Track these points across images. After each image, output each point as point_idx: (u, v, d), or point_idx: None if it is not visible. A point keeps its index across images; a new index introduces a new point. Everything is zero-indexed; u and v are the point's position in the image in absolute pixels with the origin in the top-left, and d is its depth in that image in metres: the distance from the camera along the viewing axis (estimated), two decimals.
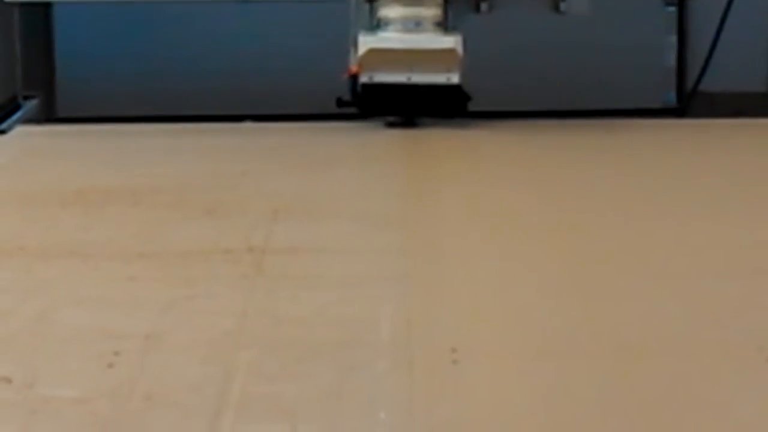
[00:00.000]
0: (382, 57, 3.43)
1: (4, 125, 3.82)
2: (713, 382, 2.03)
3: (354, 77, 3.47)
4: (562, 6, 3.63)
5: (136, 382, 2.04)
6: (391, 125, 3.56)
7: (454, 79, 3.44)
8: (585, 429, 1.88)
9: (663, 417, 1.86)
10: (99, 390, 2.01)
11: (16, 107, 3.90)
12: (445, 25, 3.49)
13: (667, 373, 2.06)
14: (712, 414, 1.90)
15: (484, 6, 3.62)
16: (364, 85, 3.47)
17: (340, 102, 3.51)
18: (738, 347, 2.20)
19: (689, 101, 4.51)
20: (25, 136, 3.78)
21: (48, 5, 4.15)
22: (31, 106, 4.10)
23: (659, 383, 2.00)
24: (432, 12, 3.46)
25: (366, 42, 3.43)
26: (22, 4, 3.99)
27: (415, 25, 3.44)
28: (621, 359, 2.15)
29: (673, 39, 4.74)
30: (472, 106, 3.57)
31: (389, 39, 3.44)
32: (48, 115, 4.18)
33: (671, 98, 4.64)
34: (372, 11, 3.52)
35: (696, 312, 2.37)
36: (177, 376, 2.07)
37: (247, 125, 3.82)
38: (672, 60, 4.65)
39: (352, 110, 3.61)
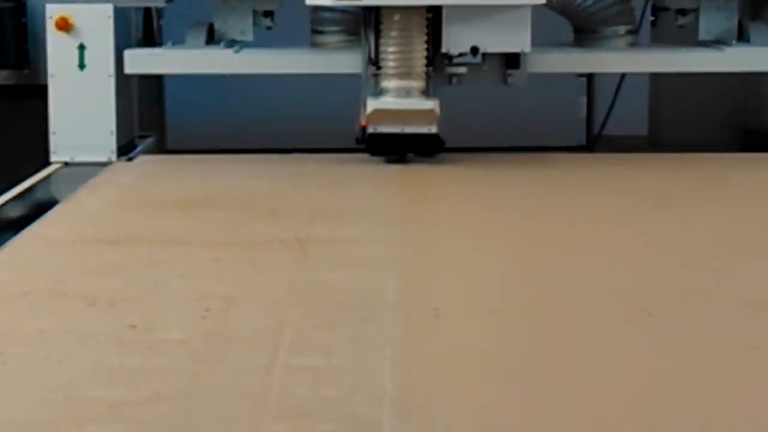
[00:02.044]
0: (383, 114, 3.41)
1: (131, 155, 3.82)
2: (607, 333, 2.08)
3: (363, 128, 3.44)
4: (509, 80, 3.59)
5: (220, 329, 2.07)
6: (390, 161, 3.52)
7: (433, 129, 3.42)
8: (519, 355, 1.94)
9: (575, 349, 1.96)
10: (195, 334, 2.04)
11: (133, 147, 3.87)
12: (427, 93, 3.45)
13: (579, 325, 2.10)
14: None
15: (454, 80, 3.55)
16: (371, 134, 3.45)
17: (358, 141, 3.50)
18: (627, 309, 2.21)
19: (595, 142, 4.50)
20: (145, 163, 3.79)
21: None
22: (150, 141, 4.08)
23: (572, 331, 2.06)
24: (418, 84, 3.44)
25: (372, 104, 3.42)
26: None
27: (406, 93, 3.42)
28: (552, 316, 2.17)
29: (584, 99, 4.74)
30: (448, 144, 3.55)
31: (389, 102, 3.42)
32: (160, 149, 4.16)
33: (582, 140, 4.63)
34: (377, 83, 3.48)
35: (598, 285, 2.38)
36: (248, 325, 2.09)
37: (295, 156, 3.81)
38: (583, 113, 4.64)
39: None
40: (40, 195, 3.37)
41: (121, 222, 2.95)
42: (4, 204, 3.23)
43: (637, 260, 2.57)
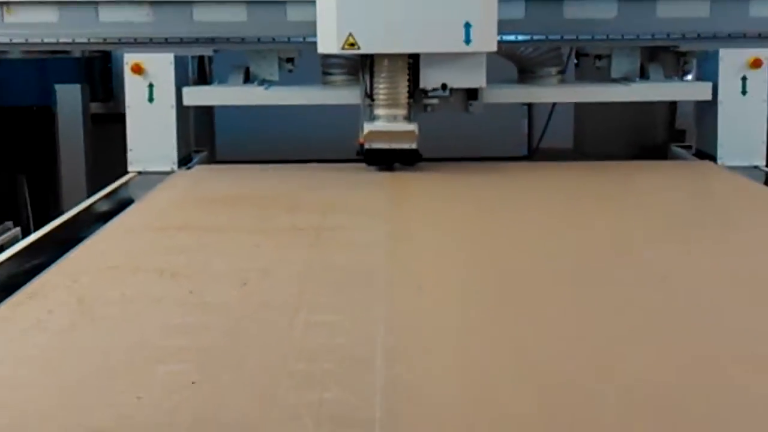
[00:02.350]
0: (376, 135, 3.38)
1: (188, 165, 3.83)
2: (541, 296, 2.07)
3: (362, 145, 3.41)
4: (470, 108, 3.59)
5: (255, 295, 2.07)
6: (381, 169, 3.49)
7: (414, 146, 3.39)
8: (480, 312, 1.92)
9: (517, 303, 1.93)
10: (236, 299, 2.04)
11: (190, 159, 3.87)
12: (409, 118, 3.42)
13: (519, 287, 2.10)
14: None
15: (429, 108, 3.55)
16: (367, 149, 3.42)
17: (357, 154, 3.50)
18: (560, 278, 2.20)
19: (534, 153, 4.51)
20: (199, 171, 3.79)
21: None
22: (203, 155, 4.09)
23: (514, 291, 2.06)
24: (402, 112, 3.41)
25: (368, 127, 3.40)
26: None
27: (393, 118, 3.40)
28: (501, 282, 2.17)
29: (526, 121, 4.74)
30: (425, 156, 3.55)
31: (380, 125, 3.39)
32: (211, 160, 4.16)
33: (525, 151, 4.63)
34: (371, 111, 3.46)
35: (536, 260, 2.37)
36: (276, 292, 2.08)
37: (310, 165, 3.80)
38: (525, 132, 4.64)
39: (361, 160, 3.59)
40: (121, 196, 3.37)
41: (181, 215, 2.95)
42: (95, 202, 3.24)
43: (566, 242, 2.56)
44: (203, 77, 4.10)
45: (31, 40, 3.64)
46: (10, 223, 3.11)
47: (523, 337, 1.74)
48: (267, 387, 1.49)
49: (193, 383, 1.49)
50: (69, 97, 4.88)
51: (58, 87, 4.90)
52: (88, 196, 3.44)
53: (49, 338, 1.74)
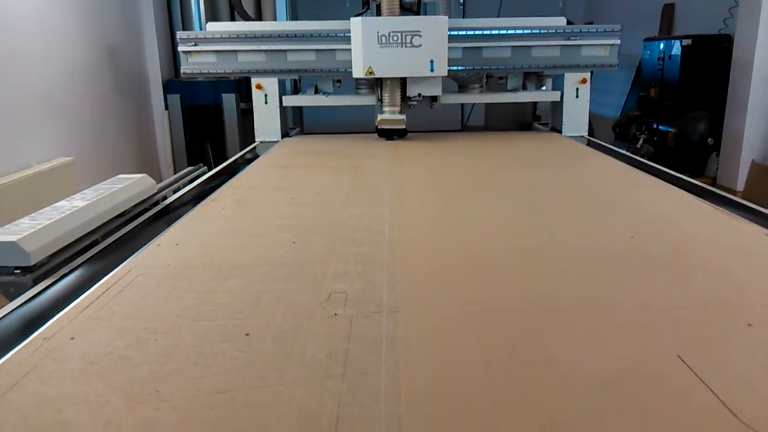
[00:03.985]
0: (384, 121, 3.27)
1: (290, 135, 3.71)
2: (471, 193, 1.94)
3: (377, 126, 3.29)
4: (433, 106, 3.44)
5: (326, 199, 1.99)
6: (387, 139, 3.36)
7: (403, 126, 3.28)
8: (438, 203, 1.81)
9: (466, 205, 1.80)
10: (315, 200, 2.00)
11: (287, 133, 3.75)
12: (401, 112, 3.30)
13: (468, 192, 1.97)
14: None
15: (411, 106, 3.40)
16: (380, 128, 3.31)
17: (376, 129, 3.40)
18: (479, 182, 2.09)
19: (464, 127, 4.38)
20: (295, 138, 3.71)
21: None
22: (297, 130, 3.98)
23: (467, 197, 1.92)
24: (397, 108, 3.29)
25: (380, 116, 3.30)
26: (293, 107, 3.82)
27: (393, 112, 3.29)
28: (453, 187, 2.04)
29: (460, 111, 4.57)
30: (409, 130, 3.43)
31: (386, 116, 3.28)
32: (301, 132, 4.05)
33: (459, 126, 4.48)
34: (381, 108, 3.32)
35: (467, 172, 2.25)
36: (336, 196, 2.01)
37: (351, 135, 3.70)
38: (459, 116, 4.46)
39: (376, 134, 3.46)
40: (255, 152, 3.33)
41: (284, 159, 2.91)
42: (242, 155, 3.20)
43: (479, 166, 2.46)
44: (296, 90, 3.97)
45: (203, 71, 3.52)
46: (201, 164, 3.09)
47: (456, 206, 1.74)
48: (331, 245, 1.49)
49: (293, 243, 1.51)
50: (229, 100, 4.79)
51: (224, 95, 4.79)
52: (239, 152, 3.38)
53: (224, 221, 1.76)
